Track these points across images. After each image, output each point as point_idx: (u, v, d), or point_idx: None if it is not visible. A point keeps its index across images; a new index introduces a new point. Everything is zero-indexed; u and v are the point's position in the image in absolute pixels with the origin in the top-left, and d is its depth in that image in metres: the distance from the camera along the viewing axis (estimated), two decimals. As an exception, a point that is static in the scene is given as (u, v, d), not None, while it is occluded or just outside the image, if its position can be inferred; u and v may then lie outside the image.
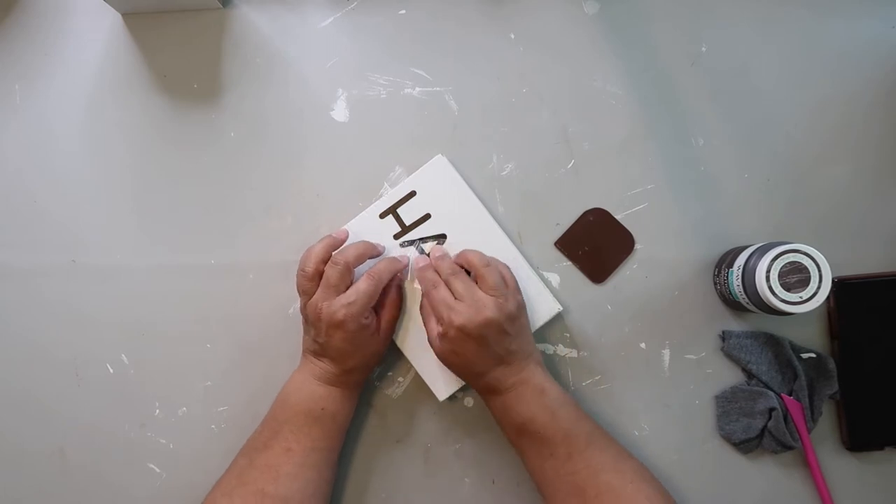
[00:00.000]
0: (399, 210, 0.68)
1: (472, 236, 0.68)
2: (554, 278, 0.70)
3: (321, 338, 0.63)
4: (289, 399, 0.65)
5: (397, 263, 0.66)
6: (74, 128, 0.72)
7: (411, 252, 0.68)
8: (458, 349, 0.62)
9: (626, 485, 0.60)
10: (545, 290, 0.68)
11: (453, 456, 0.69)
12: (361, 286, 0.62)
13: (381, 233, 0.68)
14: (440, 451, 0.69)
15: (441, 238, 0.68)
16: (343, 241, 0.66)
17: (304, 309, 0.64)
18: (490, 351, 0.61)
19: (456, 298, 0.63)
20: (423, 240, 0.68)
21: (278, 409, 0.65)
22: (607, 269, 0.70)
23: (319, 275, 0.63)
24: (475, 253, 0.66)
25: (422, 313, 0.66)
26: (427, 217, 0.68)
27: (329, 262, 0.63)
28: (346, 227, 0.68)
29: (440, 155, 0.69)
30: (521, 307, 0.64)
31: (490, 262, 0.64)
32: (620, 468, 0.61)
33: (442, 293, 0.63)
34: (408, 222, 0.68)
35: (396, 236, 0.68)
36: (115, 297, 0.71)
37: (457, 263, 0.66)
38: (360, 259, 0.65)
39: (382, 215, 0.69)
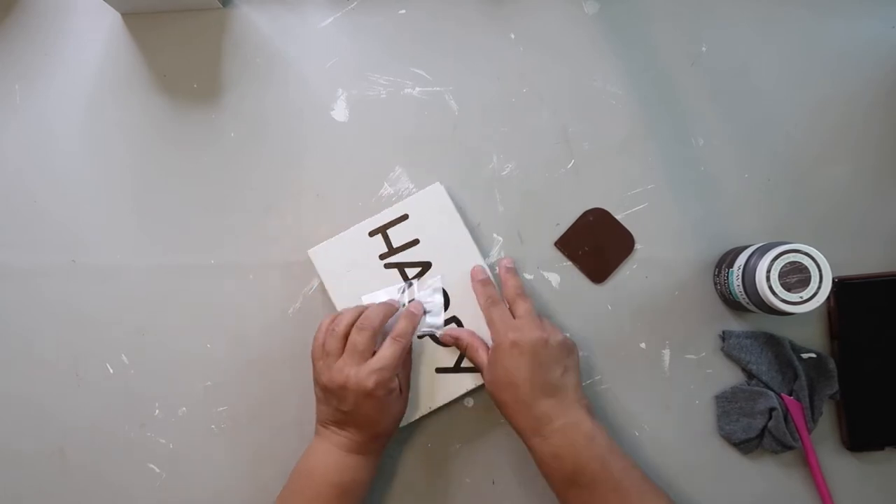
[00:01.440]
0: (389, 231, 0.68)
1: (456, 268, 0.67)
2: (554, 278, 0.70)
3: (346, 406, 0.61)
4: (313, 472, 0.62)
5: (414, 319, 0.65)
6: (74, 128, 0.72)
7: (403, 293, 0.68)
8: (511, 365, 0.61)
9: None
10: None
11: (453, 456, 0.69)
12: (388, 352, 0.61)
13: (368, 251, 0.68)
14: (440, 451, 0.69)
15: (426, 266, 0.68)
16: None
17: (323, 377, 0.62)
18: (541, 375, 0.60)
19: (515, 316, 0.63)
20: (406, 265, 0.68)
21: (302, 482, 0.63)
22: (607, 269, 0.69)
23: (346, 338, 0.62)
24: (517, 279, 0.66)
25: (469, 347, 0.65)
26: (415, 242, 0.68)
27: (354, 327, 0.62)
28: (334, 239, 0.68)
29: (438, 183, 0.68)
30: (574, 347, 0.64)
31: (529, 298, 0.65)
32: None
33: (501, 310, 0.64)
34: (395, 244, 0.68)
35: (382, 256, 0.68)
36: (115, 297, 0.71)
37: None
38: (384, 322, 0.64)
39: (372, 234, 0.68)
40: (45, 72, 0.72)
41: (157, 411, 0.70)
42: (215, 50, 0.72)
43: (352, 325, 0.63)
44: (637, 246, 0.70)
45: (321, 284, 0.70)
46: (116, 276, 0.71)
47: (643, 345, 0.69)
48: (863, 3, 0.70)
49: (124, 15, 0.72)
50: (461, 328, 0.67)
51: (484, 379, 0.64)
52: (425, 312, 0.67)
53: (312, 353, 0.64)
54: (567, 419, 0.60)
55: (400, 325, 0.64)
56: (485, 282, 0.66)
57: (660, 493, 0.60)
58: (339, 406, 0.61)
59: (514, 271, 0.67)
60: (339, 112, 0.71)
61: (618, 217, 0.70)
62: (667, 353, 0.69)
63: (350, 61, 0.71)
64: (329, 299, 0.68)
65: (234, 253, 0.71)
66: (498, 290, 0.66)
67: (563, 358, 0.62)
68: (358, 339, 0.61)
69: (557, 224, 0.70)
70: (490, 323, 0.64)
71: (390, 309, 0.65)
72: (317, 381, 0.63)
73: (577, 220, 0.70)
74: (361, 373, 0.60)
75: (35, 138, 0.72)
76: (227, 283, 0.71)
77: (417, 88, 0.71)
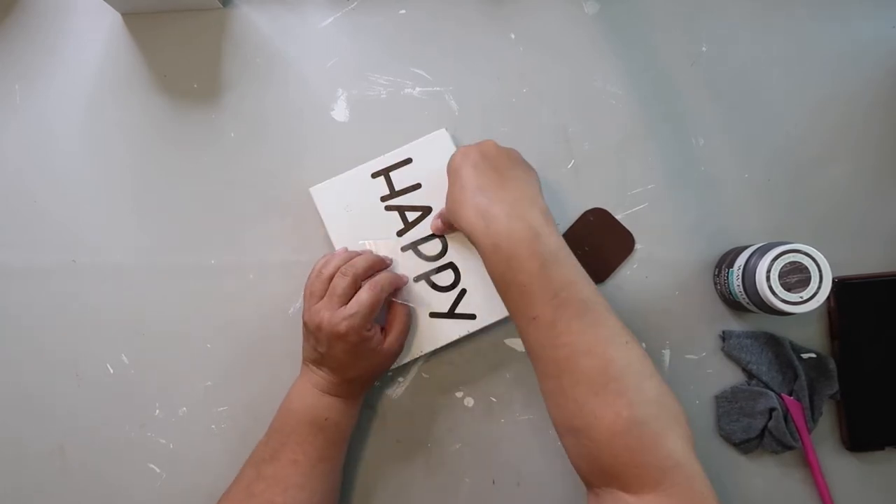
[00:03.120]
0: (391, 174, 0.69)
1: None
2: (554, 278, 0.70)
3: (322, 347, 0.62)
4: (292, 409, 0.64)
5: (399, 279, 0.66)
6: (74, 128, 0.72)
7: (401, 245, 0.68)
8: (460, 169, 0.59)
9: (609, 382, 0.51)
10: None
11: (453, 456, 0.69)
12: (363, 296, 0.61)
13: (369, 192, 0.68)
14: (440, 451, 0.69)
15: (426, 210, 0.68)
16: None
17: (305, 316, 0.64)
18: (492, 167, 0.59)
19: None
20: (406, 209, 0.68)
21: (282, 419, 0.65)
22: (608, 268, 0.69)
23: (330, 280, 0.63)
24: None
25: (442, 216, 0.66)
26: (417, 186, 0.68)
27: (338, 272, 0.63)
28: (337, 178, 0.69)
29: (444, 129, 0.69)
30: (532, 171, 0.62)
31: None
32: (607, 356, 0.52)
33: None
34: (398, 188, 0.69)
35: (383, 198, 0.69)
36: (115, 297, 0.71)
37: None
38: (368, 272, 0.64)
39: (374, 175, 0.69)
40: (45, 72, 0.72)
41: (157, 411, 0.70)
42: (215, 50, 0.72)
43: (339, 268, 0.63)
44: (637, 246, 0.70)
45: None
46: (116, 276, 0.71)
47: (643, 345, 0.68)
48: (863, 3, 0.70)
49: (124, 15, 0.72)
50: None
51: (446, 209, 0.62)
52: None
53: (304, 291, 0.65)
54: (515, 208, 0.56)
55: (380, 276, 0.64)
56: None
57: (611, 316, 0.55)
58: (315, 346, 0.63)
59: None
60: (340, 112, 0.71)
61: (618, 217, 0.70)
62: (667, 353, 0.69)
63: (350, 61, 0.71)
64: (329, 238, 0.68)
65: (234, 253, 0.71)
66: None
67: (516, 163, 0.60)
68: (338, 282, 0.62)
69: (557, 224, 0.70)
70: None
71: (379, 263, 0.66)
72: (302, 317, 0.64)
73: (578, 220, 0.70)
74: (335, 317, 0.60)
75: (35, 138, 0.72)
76: (227, 283, 0.71)
77: (417, 88, 0.71)
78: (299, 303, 0.70)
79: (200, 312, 0.71)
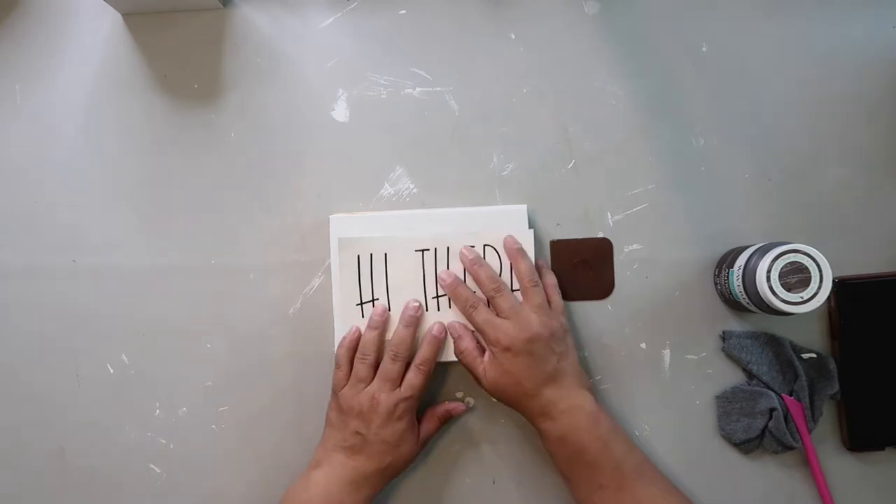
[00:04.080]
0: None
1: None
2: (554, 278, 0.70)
3: (367, 430, 0.62)
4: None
5: (437, 343, 0.66)
6: (75, 128, 0.72)
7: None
8: (508, 368, 0.62)
9: None
10: None
11: (453, 456, 0.69)
12: (415, 381, 0.64)
13: (399, 240, 0.67)
14: (440, 451, 0.69)
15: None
16: (383, 318, 0.66)
17: (351, 401, 0.63)
18: (539, 368, 0.62)
19: (499, 315, 0.64)
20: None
21: None
22: (607, 281, 0.70)
23: (377, 365, 0.65)
24: (526, 264, 0.66)
25: (465, 353, 0.65)
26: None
27: (388, 355, 0.64)
28: (364, 215, 0.69)
29: (524, 206, 0.68)
30: (566, 330, 0.65)
31: (538, 283, 0.65)
32: (667, 502, 0.61)
33: (483, 315, 0.64)
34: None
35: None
36: (115, 297, 0.71)
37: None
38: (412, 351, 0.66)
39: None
40: (45, 72, 0.72)
41: (157, 411, 0.70)
42: (216, 50, 0.72)
43: (377, 352, 0.65)
44: (637, 246, 0.70)
45: (321, 285, 0.70)
46: (116, 276, 0.71)
47: (643, 345, 0.69)
48: (863, 3, 0.70)
49: (125, 15, 0.72)
50: (460, 326, 0.66)
51: (484, 385, 0.64)
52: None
53: (335, 383, 0.65)
54: (570, 402, 0.62)
55: (423, 352, 0.65)
56: (454, 284, 0.66)
57: (658, 474, 0.63)
58: (359, 429, 0.63)
59: (480, 264, 0.66)
60: (340, 112, 0.71)
61: (618, 217, 0.70)
62: (667, 353, 0.69)
63: (350, 61, 0.72)
64: (328, 283, 0.68)
65: (235, 253, 0.71)
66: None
67: (556, 345, 0.63)
68: (391, 367, 0.64)
69: (558, 224, 0.70)
70: (476, 328, 0.65)
71: (414, 330, 0.66)
72: (339, 407, 0.64)
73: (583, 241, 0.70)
74: (392, 398, 0.63)
75: (35, 138, 0.72)
76: (227, 283, 0.71)
77: (417, 88, 0.71)
78: (299, 303, 0.70)
79: (200, 313, 0.71)
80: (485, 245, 0.67)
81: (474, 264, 0.66)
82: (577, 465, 0.62)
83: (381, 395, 0.63)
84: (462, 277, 0.67)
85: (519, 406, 0.64)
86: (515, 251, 0.66)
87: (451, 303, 0.67)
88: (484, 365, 0.64)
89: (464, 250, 0.67)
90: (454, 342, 0.66)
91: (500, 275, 0.67)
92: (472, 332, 0.66)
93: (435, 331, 0.66)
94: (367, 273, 0.68)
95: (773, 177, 0.69)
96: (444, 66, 0.71)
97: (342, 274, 0.67)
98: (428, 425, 0.67)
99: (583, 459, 0.61)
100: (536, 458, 0.69)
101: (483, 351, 0.65)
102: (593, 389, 0.65)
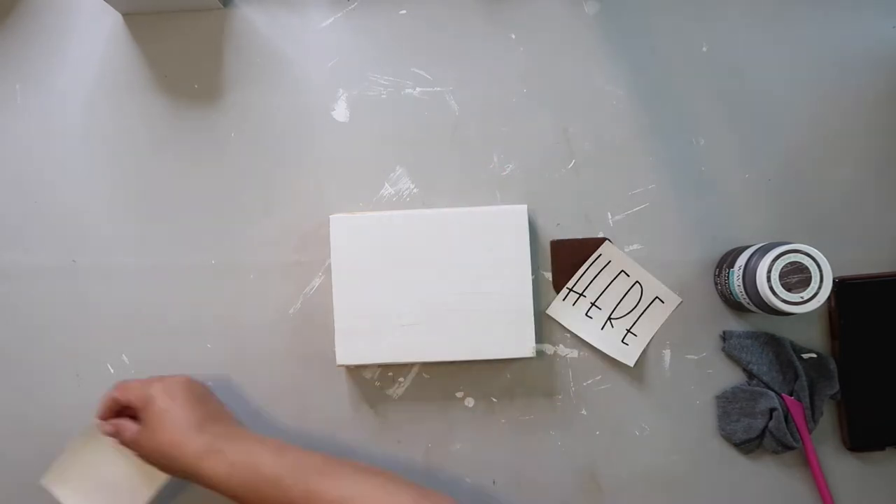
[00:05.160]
0: None
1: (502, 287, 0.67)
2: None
3: None
4: None
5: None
6: (75, 128, 0.72)
7: None
8: (166, 406, 0.61)
9: None
10: (531, 332, 0.66)
11: (453, 456, 0.69)
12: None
13: (398, 240, 0.68)
14: (440, 451, 0.69)
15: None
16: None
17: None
18: (203, 405, 0.63)
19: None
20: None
21: None
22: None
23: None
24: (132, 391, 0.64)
25: (118, 429, 0.64)
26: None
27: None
28: (365, 215, 0.68)
29: (525, 206, 0.67)
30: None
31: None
32: (364, 493, 0.56)
33: (133, 384, 0.65)
34: None
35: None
36: (115, 297, 0.71)
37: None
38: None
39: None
40: (45, 72, 0.72)
41: (157, 411, 0.70)
42: (216, 50, 0.72)
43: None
44: (637, 246, 0.70)
45: (321, 285, 0.70)
46: (116, 276, 0.71)
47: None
48: (863, 3, 0.70)
49: (125, 15, 0.72)
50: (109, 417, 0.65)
51: (142, 447, 0.62)
52: None
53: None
54: (239, 435, 0.61)
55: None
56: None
57: (343, 467, 0.59)
58: None
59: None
60: (340, 112, 0.71)
61: (618, 217, 0.70)
62: (667, 353, 0.69)
63: (350, 61, 0.72)
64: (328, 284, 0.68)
65: (235, 253, 0.71)
66: None
67: (212, 396, 0.65)
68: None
69: (558, 224, 0.70)
70: (123, 396, 0.64)
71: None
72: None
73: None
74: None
75: (36, 138, 0.72)
76: (227, 283, 0.71)
77: (418, 88, 0.71)
78: (299, 303, 0.70)
79: (200, 312, 0.71)
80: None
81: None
82: (260, 488, 0.58)
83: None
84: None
85: (180, 449, 0.60)
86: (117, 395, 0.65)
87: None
88: (135, 428, 0.63)
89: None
90: (114, 429, 0.65)
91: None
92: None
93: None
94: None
95: (773, 177, 0.69)
96: (444, 66, 0.71)
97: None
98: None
99: (263, 476, 0.58)
100: (536, 458, 0.69)
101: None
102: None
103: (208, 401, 0.64)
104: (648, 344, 0.69)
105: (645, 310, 0.69)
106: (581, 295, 0.69)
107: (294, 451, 0.60)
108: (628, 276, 0.69)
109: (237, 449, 0.59)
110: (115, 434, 0.64)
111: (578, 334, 0.69)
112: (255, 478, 0.58)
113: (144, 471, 0.65)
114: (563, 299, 0.69)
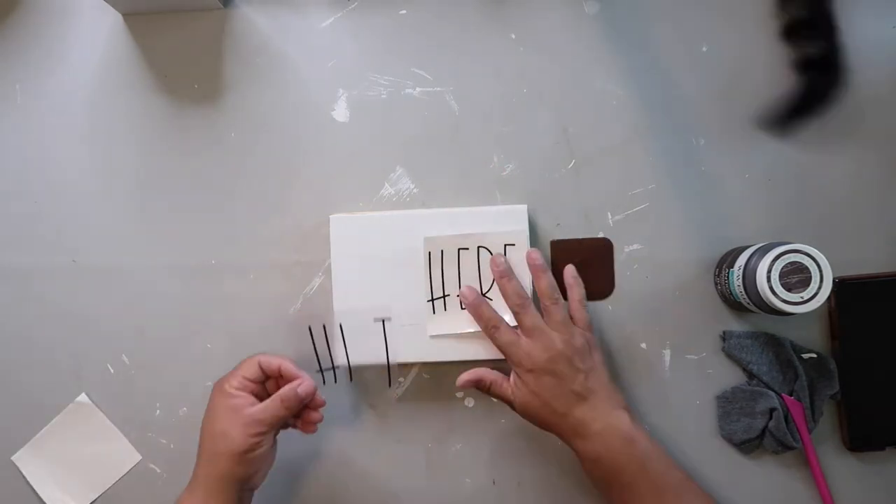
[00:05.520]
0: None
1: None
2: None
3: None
4: None
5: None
6: (75, 128, 0.72)
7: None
8: (535, 389, 0.62)
9: None
10: None
11: (453, 456, 0.69)
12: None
13: (397, 241, 0.68)
14: (440, 451, 0.69)
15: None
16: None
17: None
18: (565, 388, 0.61)
19: (523, 332, 0.63)
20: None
21: None
22: (606, 280, 0.70)
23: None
24: (547, 280, 0.65)
25: (493, 384, 0.65)
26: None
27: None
28: (364, 215, 0.69)
29: (525, 206, 0.68)
30: (593, 346, 0.64)
31: (559, 300, 0.65)
32: None
33: (505, 336, 0.64)
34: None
35: None
36: (115, 297, 0.71)
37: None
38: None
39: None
40: (45, 72, 0.72)
41: (157, 411, 0.70)
42: (216, 50, 0.72)
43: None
44: (637, 246, 0.70)
45: (321, 285, 0.70)
46: (116, 276, 0.71)
47: (644, 345, 0.69)
48: (863, 3, 0.70)
49: (125, 15, 0.72)
50: (476, 369, 0.66)
51: (515, 407, 0.64)
52: None
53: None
54: (604, 422, 0.61)
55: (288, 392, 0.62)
56: (476, 304, 0.65)
57: (700, 493, 0.62)
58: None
59: (544, 267, 0.66)
60: (340, 112, 0.71)
61: (618, 217, 0.70)
62: (667, 353, 0.69)
63: (350, 61, 0.72)
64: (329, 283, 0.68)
65: (235, 253, 0.71)
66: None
67: (581, 363, 0.62)
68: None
69: (558, 224, 0.70)
70: (499, 349, 0.65)
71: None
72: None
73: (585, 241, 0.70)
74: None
75: (35, 138, 0.72)
76: (227, 283, 0.71)
77: (418, 88, 0.71)
78: (300, 303, 0.70)
79: (200, 312, 0.71)
80: (479, 247, 0.67)
81: (503, 277, 0.65)
82: (613, 487, 0.61)
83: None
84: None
85: (551, 428, 0.63)
86: (538, 266, 0.66)
87: (444, 306, 0.67)
88: (511, 388, 0.64)
89: (495, 259, 0.66)
90: (478, 383, 0.65)
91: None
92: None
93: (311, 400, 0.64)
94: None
95: (773, 177, 0.69)
96: (444, 66, 0.71)
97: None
98: (274, 397, 0.62)
99: (619, 481, 0.60)
100: (536, 458, 0.69)
101: (508, 375, 0.65)
102: (629, 407, 0.63)
103: (574, 376, 0.62)
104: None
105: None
106: (445, 296, 0.67)
107: (656, 464, 0.61)
108: (468, 249, 0.67)
109: (602, 444, 0.61)
110: (489, 385, 0.65)
111: (468, 331, 0.67)
112: (613, 479, 0.61)
113: (112, 456, 0.67)
114: (434, 312, 0.68)
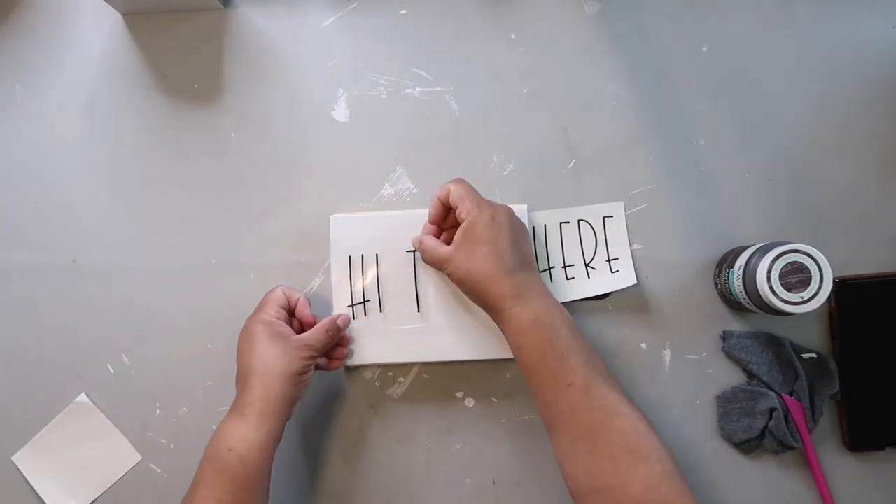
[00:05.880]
0: None
1: None
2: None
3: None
4: (207, 446, 0.60)
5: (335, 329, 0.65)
6: (75, 128, 0.72)
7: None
8: (488, 236, 0.60)
9: (640, 439, 0.56)
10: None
11: (453, 456, 0.69)
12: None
13: (398, 241, 0.68)
14: (440, 451, 0.69)
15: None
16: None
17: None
18: (519, 247, 0.61)
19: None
20: None
21: (201, 458, 0.60)
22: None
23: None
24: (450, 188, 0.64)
25: (427, 246, 0.64)
26: None
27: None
28: (364, 215, 0.69)
29: (525, 206, 0.68)
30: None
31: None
32: (634, 416, 0.57)
33: (467, 189, 0.63)
34: None
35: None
36: (115, 297, 0.71)
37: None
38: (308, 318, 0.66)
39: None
40: (45, 72, 0.72)
41: (157, 411, 0.70)
42: (216, 50, 0.72)
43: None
44: (637, 246, 0.70)
45: (321, 285, 0.70)
46: (116, 276, 0.71)
47: (644, 345, 0.69)
48: (863, 2, 0.70)
49: (125, 15, 0.72)
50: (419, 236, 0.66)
51: (452, 263, 0.61)
52: None
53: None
54: (542, 288, 0.61)
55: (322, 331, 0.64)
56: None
57: (618, 384, 0.60)
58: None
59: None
60: (340, 112, 0.71)
61: (618, 217, 0.70)
62: (667, 353, 0.69)
63: (350, 61, 0.72)
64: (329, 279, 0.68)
65: (235, 253, 0.71)
66: None
67: (523, 239, 0.63)
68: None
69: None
70: (459, 201, 0.62)
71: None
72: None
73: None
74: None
75: (35, 138, 0.72)
76: (227, 283, 0.71)
77: (418, 88, 0.71)
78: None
79: (200, 312, 0.71)
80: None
81: (418, 246, 0.65)
82: (548, 356, 0.58)
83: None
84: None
85: (493, 284, 0.60)
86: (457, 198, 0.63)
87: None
88: (451, 252, 0.62)
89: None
90: (418, 249, 0.65)
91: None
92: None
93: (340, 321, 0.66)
94: (359, 275, 0.68)
95: (773, 177, 0.69)
96: (444, 66, 0.71)
97: (335, 276, 0.68)
98: (316, 327, 0.64)
99: (553, 349, 0.58)
100: (536, 458, 0.69)
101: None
102: None
103: (524, 242, 0.63)
104: (634, 257, 0.69)
105: (605, 234, 0.69)
106: (550, 268, 0.69)
107: (585, 341, 0.60)
108: (569, 222, 0.69)
109: (542, 305, 0.60)
110: (423, 250, 0.64)
111: (577, 298, 0.68)
112: (548, 343, 0.58)
113: (112, 456, 0.67)
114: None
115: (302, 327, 0.66)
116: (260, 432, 0.59)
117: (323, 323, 0.64)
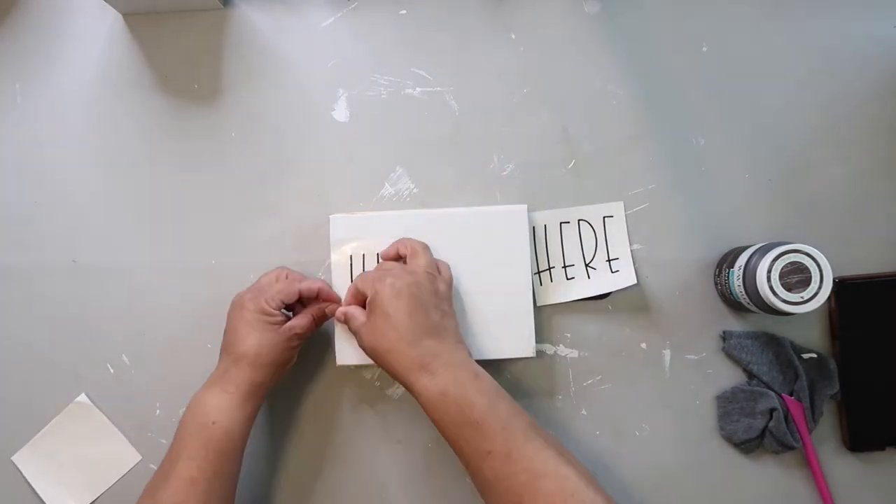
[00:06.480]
0: None
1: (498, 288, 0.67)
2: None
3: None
4: (184, 415, 0.61)
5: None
6: (75, 128, 0.72)
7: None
8: (388, 310, 0.59)
9: (568, 498, 0.53)
10: (531, 332, 0.67)
11: (453, 456, 0.69)
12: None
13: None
14: (440, 451, 0.69)
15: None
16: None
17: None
18: (421, 316, 0.59)
19: (389, 267, 0.63)
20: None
21: (177, 431, 0.60)
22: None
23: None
24: (408, 242, 0.66)
25: (348, 316, 0.64)
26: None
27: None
28: (364, 215, 0.69)
29: (525, 206, 0.68)
30: (451, 299, 0.64)
31: (426, 249, 0.65)
32: (561, 473, 0.54)
33: (372, 273, 0.64)
34: None
35: None
36: (115, 297, 0.71)
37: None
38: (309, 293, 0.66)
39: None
40: (45, 72, 0.72)
41: (157, 411, 0.70)
42: (216, 50, 0.72)
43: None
44: (637, 246, 0.70)
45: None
46: (116, 276, 0.71)
47: (644, 345, 0.69)
48: (862, 2, 0.70)
49: (125, 15, 0.72)
50: (364, 273, 0.66)
51: (363, 341, 0.61)
52: None
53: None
54: (452, 357, 0.59)
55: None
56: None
57: (549, 438, 0.57)
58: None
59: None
60: (340, 112, 0.71)
61: (618, 217, 0.70)
62: (667, 353, 0.69)
63: (350, 61, 0.72)
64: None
65: (235, 253, 0.71)
66: None
67: (441, 303, 0.62)
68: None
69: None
70: (360, 284, 0.63)
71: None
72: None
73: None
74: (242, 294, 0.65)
75: (35, 138, 0.72)
76: (227, 283, 0.70)
77: (418, 88, 0.71)
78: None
79: (200, 312, 0.70)
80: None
81: (350, 289, 0.66)
82: (463, 427, 0.57)
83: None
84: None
85: (396, 358, 0.59)
86: (413, 249, 0.65)
87: None
88: (359, 326, 0.62)
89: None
90: (355, 283, 0.64)
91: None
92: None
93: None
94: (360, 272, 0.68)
95: (773, 177, 0.69)
96: (444, 66, 0.71)
97: (335, 276, 0.68)
98: (302, 321, 0.64)
99: (468, 418, 0.56)
100: (536, 458, 0.69)
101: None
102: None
103: (431, 309, 0.61)
104: (634, 257, 0.69)
105: (605, 234, 0.69)
106: (550, 268, 0.69)
107: (505, 403, 0.58)
108: (569, 222, 0.69)
109: (450, 377, 0.58)
110: (344, 321, 0.65)
111: (576, 298, 0.68)
112: (460, 415, 0.57)
113: (112, 456, 0.68)
114: (541, 284, 0.69)
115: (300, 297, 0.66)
116: (244, 410, 0.61)
117: (313, 311, 0.65)
